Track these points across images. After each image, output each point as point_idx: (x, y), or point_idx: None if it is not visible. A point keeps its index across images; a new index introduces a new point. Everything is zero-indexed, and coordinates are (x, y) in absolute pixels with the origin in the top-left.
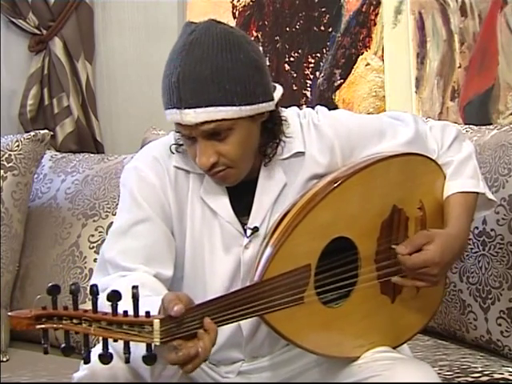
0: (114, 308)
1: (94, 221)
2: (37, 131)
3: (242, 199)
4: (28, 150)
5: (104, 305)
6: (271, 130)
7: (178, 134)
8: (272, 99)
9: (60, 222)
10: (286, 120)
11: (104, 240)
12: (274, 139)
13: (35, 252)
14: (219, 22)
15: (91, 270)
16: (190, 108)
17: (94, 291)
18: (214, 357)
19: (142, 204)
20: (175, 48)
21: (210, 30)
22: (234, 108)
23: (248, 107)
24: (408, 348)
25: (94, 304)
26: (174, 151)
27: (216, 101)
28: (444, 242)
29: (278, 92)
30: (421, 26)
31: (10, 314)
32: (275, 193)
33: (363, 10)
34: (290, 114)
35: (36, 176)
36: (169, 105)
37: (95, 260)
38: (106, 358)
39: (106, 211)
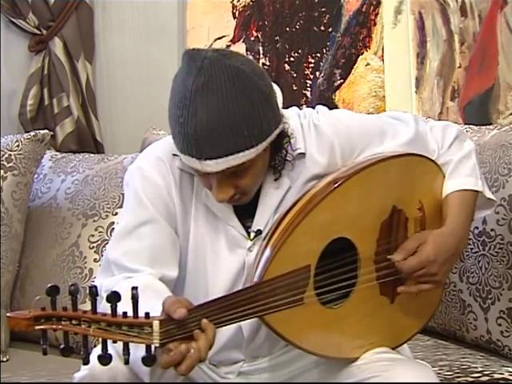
0: (114, 309)
1: (94, 221)
2: (37, 131)
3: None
4: (28, 150)
5: (106, 306)
6: (279, 146)
7: None
8: (281, 120)
9: (60, 221)
10: (293, 134)
11: (104, 240)
12: (281, 153)
13: (35, 252)
14: (224, 55)
15: (91, 270)
16: (210, 159)
17: (94, 292)
18: (215, 357)
19: (146, 204)
20: (184, 88)
21: (220, 70)
22: (252, 150)
23: (264, 143)
24: (408, 348)
25: (94, 305)
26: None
27: (236, 149)
28: (437, 240)
29: (279, 97)
30: (421, 26)
31: (8, 314)
32: (279, 196)
33: (363, 10)
34: (290, 114)
35: (36, 176)
36: (186, 153)
37: (95, 260)
38: (105, 359)
39: (106, 211)
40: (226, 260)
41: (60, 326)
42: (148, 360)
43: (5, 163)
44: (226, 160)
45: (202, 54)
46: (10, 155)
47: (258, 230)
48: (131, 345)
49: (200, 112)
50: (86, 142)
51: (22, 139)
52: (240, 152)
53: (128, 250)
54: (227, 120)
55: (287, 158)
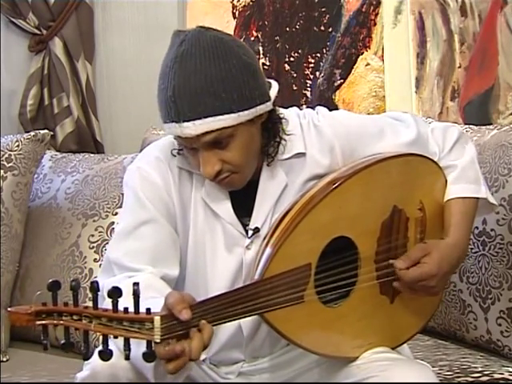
0: (115, 304)
1: (94, 221)
2: (37, 131)
3: (243, 200)
4: (28, 150)
5: (108, 304)
6: (271, 129)
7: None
8: (269, 99)
9: (60, 221)
10: (284, 118)
11: (104, 240)
12: (275, 138)
13: (35, 252)
14: (207, 29)
15: (91, 270)
16: (188, 121)
17: (95, 288)
18: (215, 357)
19: (146, 204)
20: (166, 60)
21: (200, 39)
22: (233, 115)
23: (246, 112)
24: (408, 348)
25: (95, 300)
26: (176, 155)
27: (214, 111)
28: (441, 254)
29: (274, 89)
30: (421, 26)
31: (9, 309)
32: (276, 194)
33: (363, 10)
34: (290, 114)
35: (36, 176)
36: (167, 119)
37: (95, 260)
38: (105, 354)
39: (106, 211)
40: (224, 258)
41: (61, 322)
42: (149, 356)
43: (5, 163)
44: (204, 122)
45: (187, 30)
46: (9, 155)
47: (256, 228)
48: (133, 341)
49: (178, 76)
50: (86, 142)
51: (22, 139)
52: (219, 115)
53: (129, 249)
54: (204, 80)
55: (282, 142)
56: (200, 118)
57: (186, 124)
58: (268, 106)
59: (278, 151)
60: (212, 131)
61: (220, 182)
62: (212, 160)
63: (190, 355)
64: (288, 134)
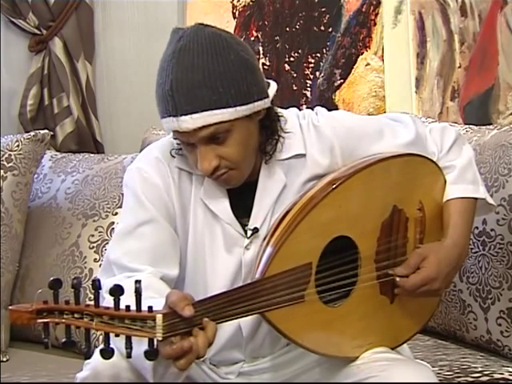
0: (117, 302)
1: (94, 221)
2: (37, 131)
3: (242, 201)
4: (28, 150)
5: (109, 303)
6: (269, 127)
7: (176, 140)
8: (267, 96)
9: (60, 221)
10: (283, 116)
11: (104, 240)
12: (273, 136)
13: (35, 252)
14: (206, 26)
15: (91, 270)
16: (186, 115)
17: (97, 286)
18: (215, 357)
19: (146, 205)
20: (165, 56)
21: (198, 35)
22: (230, 110)
23: (244, 107)
24: (408, 348)
25: (96, 298)
26: (175, 155)
27: (211, 105)
28: (439, 256)
29: (273, 88)
30: (421, 26)
31: (10, 307)
32: (275, 194)
33: (363, 10)
34: (289, 114)
35: (36, 176)
36: (165, 113)
37: (95, 260)
38: (107, 352)
39: (106, 211)
40: (223, 258)
41: (62, 320)
42: (150, 354)
43: (5, 163)
44: (201, 115)
45: (185, 27)
46: (9, 155)
47: (255, 228)
48: (134, 340)
49: (176, 71)
50: (86, 142)
51: (22, 139)
52: (216, 109)
53: (128, 250)
54: (201, 74)
55: (280, 140)
56: (197, 112)
57: (183, 118)
58: (266, 103)
59: (276, 149)
60: (209, 125)
61: (217, 178)
62: (209, 155)
63: (198, 352)
64: (286, 132)
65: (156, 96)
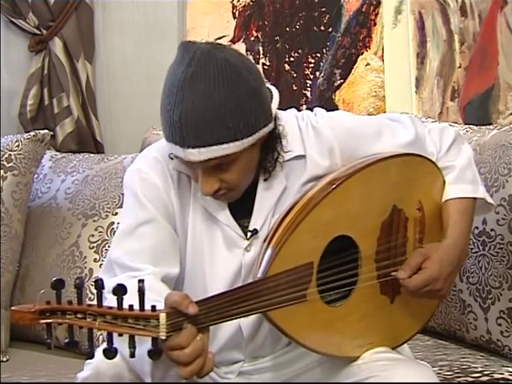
0: (120, 302)
1: (94, 221)
2: (37, 131)
3: (241, 202)
4: (28, 150)
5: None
6: (270, 147)
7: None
8: (271, 120)
9: (60, 221)
10: (281, 124)
11: (104, 240)
12: (273, 154)
13: (35, 252)
14: (216, 47)
15: (91, 270)
16: (193, 148)
17: (100, 285)
18: (215, 357)
19: (146, 205)
20: (173, 78)
21: (210, 62)
22: (237, 143)
23: (250, 138)
24: (408, 348)
25: (99, 298)
26: (174, 158)
27: (219, 139)
28: (441, 256)
29: (275, 100)
30: (421, 26)
31: (13, 308)
32: (276, 195)
33: (363, 10)
34: (288, 116)
35: (36, 176)
36: (170, 140)
37: (95, 260)
38: (110, 352)
39: (106, 211)
40: (223, 260)
41: (65, 320)
42: (154, 353)
43: (5, 163)
44: (208, 150)
45: (196, 45)
46: (10, 155)
47: (255, 230)
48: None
49: (186, 101)
50: (86, 142)
51: (22, 139)
52: (224, 144)
53: (129, 249)
54: (212, 110)
55: (278, 160)
56: (204, 147)
57: (190, 150)
58: (270, 127)
59: (275, 167)
60: (215, 158)
61: (217, 197)
62: (211, 180)
63: (206, 352)
64: (286, 152)
65: (162, 120)
